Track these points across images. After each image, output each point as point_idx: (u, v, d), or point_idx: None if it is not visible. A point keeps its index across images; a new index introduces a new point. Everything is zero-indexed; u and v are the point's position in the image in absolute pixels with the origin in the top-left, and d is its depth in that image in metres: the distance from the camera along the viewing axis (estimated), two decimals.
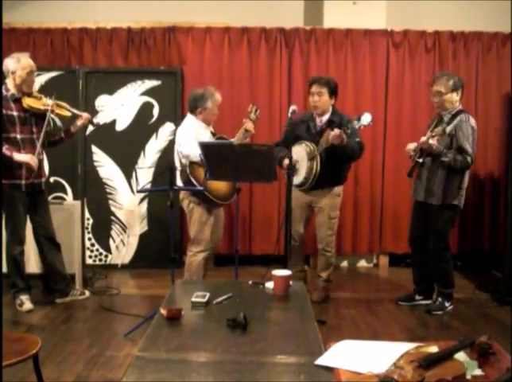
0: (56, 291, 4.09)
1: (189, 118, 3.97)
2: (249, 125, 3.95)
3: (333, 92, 3.97)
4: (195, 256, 3.93)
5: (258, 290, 2.58)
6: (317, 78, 4.04)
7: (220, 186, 3.82)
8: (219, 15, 5.12)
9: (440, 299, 3.99)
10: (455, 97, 3.78)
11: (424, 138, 3.66)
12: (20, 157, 3.67)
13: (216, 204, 3.90)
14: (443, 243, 3.91)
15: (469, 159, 3.68)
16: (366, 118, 3.54)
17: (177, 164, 3.91)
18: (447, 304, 3.98)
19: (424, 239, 4.00)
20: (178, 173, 3.93)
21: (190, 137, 3.82)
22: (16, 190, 3.75)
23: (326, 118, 3.99)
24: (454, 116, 3.76)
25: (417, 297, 4.14)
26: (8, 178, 3.71)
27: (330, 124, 3.91)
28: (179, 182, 3.93)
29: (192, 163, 3.80)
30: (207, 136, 3.93)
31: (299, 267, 4.27)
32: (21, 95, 3.76)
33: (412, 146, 3.90)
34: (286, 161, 3.84)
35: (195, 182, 3.78)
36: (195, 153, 3.73)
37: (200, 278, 3.94)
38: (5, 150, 3.62)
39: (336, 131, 3.64)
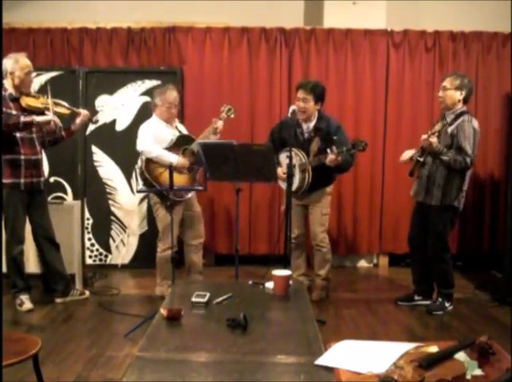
0: (56, 291, 4.09)
1: (151, 117, 4.11)
2: (218, 123, 3.99)
3: (319, 98, 3.94)
4: (161, 253, 4.07)
5: (258, 290, 2.58)
6: (304, 83, 3.99)
7: (176, 181, 3.80)
8: (219, 15, 5.12)
9: (440, 299, 3.99)
10: (458, 95, 3.76)
11: (424, 136, 3.66)
12: (40, 118, 3.68)
13: (174, 201, 3.91)
14: (441, 244, 3.91)
15: (468, 160, 3.66)
16: (360, 145, 3.59)
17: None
18: (447, 304, 3.98)
19: (424, 239, 4.00)
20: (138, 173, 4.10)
21: (147, 134, 3.96)
22: (15, 190, 3.75)
23: (312, 124, 3.99)
24: (457, 117, 3.76)
25: (417, 297, 4.14)
26: (7, 177, 3.71)
27: (317, 131, 3.96)
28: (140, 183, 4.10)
29: (148, 162, 3.93)
30: (168, 134, 4.02)
31: (301, 271, 4.28)
32: (19, 95, 3.76)
33: (409, 154, 3.92)
34: (279, 171, 3.95)
35: (153, 181, 3.90)
36: (150, 150, 3.91)
37: (169, 274, 3.82)
38: (24, 117, 3.63)
39: (332, 157, 3.69)
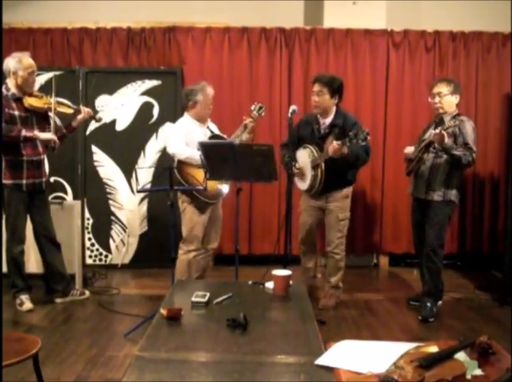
0: (56, 291, 4.09)
1: (183, 117, 3.95)
2: (247, 121, 3.87)
3: (335, 91, 3.84)
4: (185, 255, 3.91)
5: (258, 290, 2.59)
6: (319, 76, 3.93)
7: (209, 185, 3.73)
8: (219, 15, 5.12)
9: (428, 304, 3.84)
10: (454, 100, 3.83)
11: (436, 131, 3.59)
12: (43, 135, 3.74)
13: (205, 202, 3.86)
14: (440, 241, 3.87)
15: (474, 155, 3.73)
16: (362, 135, 3.47)
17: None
18: (435, 308, 3.87)
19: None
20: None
21: (178, 135, 3.81)
22: (17, 190, 3.75)
23: (329, 120, 3.89)
24: (454, 118, 3.77)
25: None
26: (9, 178, 3.72)
27: (332, 128, 3.84)
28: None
29: (179, 162, 3.80)
30: (200, 134, 3.84)
31: (311, 273, 4.21)
32: (22, 95, 3.76)
33: (410, 149, 3.93)
34: (295, 170, 3.85)
35: (182, 181, 3.78)
36: (181, 152, 3.75)
37: (191, 278, 3.88)
38: (25, 132, 3.65)
39: (335, 145, 3.58)
